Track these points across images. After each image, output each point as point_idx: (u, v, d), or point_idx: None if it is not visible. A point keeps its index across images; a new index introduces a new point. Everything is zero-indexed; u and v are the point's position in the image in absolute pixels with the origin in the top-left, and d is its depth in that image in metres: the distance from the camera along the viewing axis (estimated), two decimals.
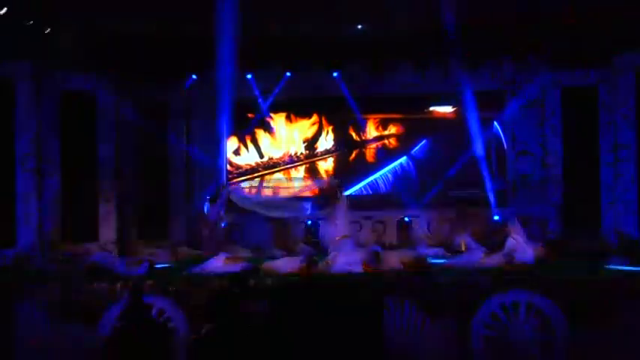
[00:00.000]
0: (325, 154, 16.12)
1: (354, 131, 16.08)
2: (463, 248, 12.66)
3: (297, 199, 14.58)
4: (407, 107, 15.61)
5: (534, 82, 14.43)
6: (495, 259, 10.78)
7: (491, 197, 14.58)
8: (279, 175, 16.10)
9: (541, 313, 8.46)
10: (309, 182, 15.81)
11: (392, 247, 13.60)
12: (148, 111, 14.56)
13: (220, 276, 9.74)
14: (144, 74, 13.81)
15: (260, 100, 15.39)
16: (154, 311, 8.53)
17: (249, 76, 15.03)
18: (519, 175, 14.86)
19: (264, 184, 15.98)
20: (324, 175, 16.03)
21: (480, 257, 10.99)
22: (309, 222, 14.69)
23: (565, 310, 8.43)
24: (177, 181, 14.92)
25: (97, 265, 10.84)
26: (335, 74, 15.01)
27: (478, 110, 14.91)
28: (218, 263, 10.87)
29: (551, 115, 14.17)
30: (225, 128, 15.49)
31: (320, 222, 14.22)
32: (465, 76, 14.75)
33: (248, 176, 16.07)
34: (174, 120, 14.90)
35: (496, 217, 14.44)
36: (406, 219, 14.95)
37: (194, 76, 14.89)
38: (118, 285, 8.89)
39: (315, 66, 14.94)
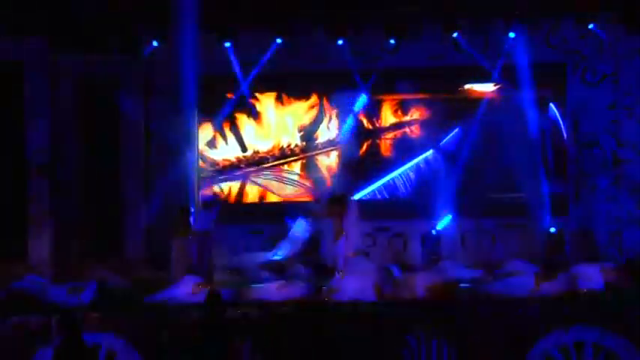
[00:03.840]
0: (327, 147, 16.04)
1: (365, 116, 16.02)
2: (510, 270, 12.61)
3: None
4: (434, 85, 15.52)
5: (605, 50, 14.39)
6: (553, 286, 10.71)
7: (547, 204, 14.51)
8: (267, 174, 16.02)
9: (614, 356, 8.37)
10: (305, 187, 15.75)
11: (415, 269, 13.55)
12: (94, 89, 14.47)
13: (190, 307, 9.64)
14: (88, 40, 13.69)
15: (240, 75, 15.31)
16: (101, 353, 8.48)
17: (227, 45, 14.93)
18: (584, 174, 14.79)
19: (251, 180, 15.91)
20: (325, 174, 15.97)
21: (531, 283, 10.90)
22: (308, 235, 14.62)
23: None
24: (134, 181, 14.83)
25: (26, 293, 10.77)
26: (340, 42, 14.93)
27: (529, 89, 14.90)
28: (187, 290, 10.83)
29: (626, 95, 14.17)
30: (195, 112, 15.45)
31: (322, 235, 14.15)
32: (512, 43, 14.75)
33: (227, 175, 15.99)
34: (128, 101, 14.79)
35: (557, 230, 14.38)
36: (433, 231, 14.88)
37: (155, 44, 14.83)
38: (54, 319, 8.82)
39: (314, 31, 14.88)
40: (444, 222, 14.82)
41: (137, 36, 14.56)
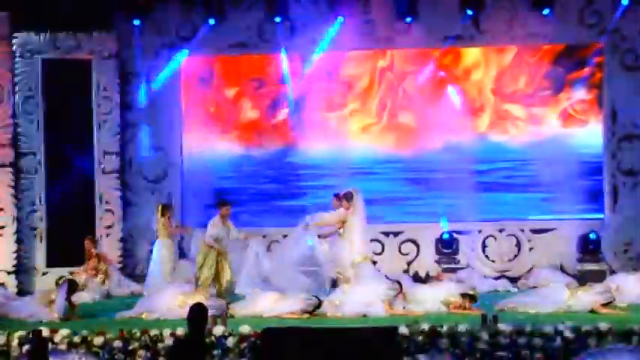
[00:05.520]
0: None
1: None
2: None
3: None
4: (451, 68, 15.48)
5: None
6: (587, 298, 10.66)
7: (580, 204, 14.47)
8: None
9: None
10: None
11: (429, 278, 13.48)
12: (64, 74, 14.49)
13: (174, 321, 9.60)
14: (57, 19, 13.72)
15: None
16: None
17: (211, 22, 14.90)
18: (622, 171, 14.74)
19: None
20: None
21: (562, 295, 10.85)
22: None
23: None
24: (108, 179, 14.78)
25: None
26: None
27: (561, 74, 14.84)
28: (171, 301, 10.79)
29: None
30: (181, 101, 15.42)
31: (324, 240, 14.08)
32: (540, 22, 14.68)
33: None
34: (102, 87, 14.75)
35: (593, 235, 14.38)
36: (449, 235, 14.83)
37: (136, 22, 14.76)
38: (16, 336, 8.80)
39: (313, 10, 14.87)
40: (444, 222, 14.84)
41: (112, 12, 14.53)
